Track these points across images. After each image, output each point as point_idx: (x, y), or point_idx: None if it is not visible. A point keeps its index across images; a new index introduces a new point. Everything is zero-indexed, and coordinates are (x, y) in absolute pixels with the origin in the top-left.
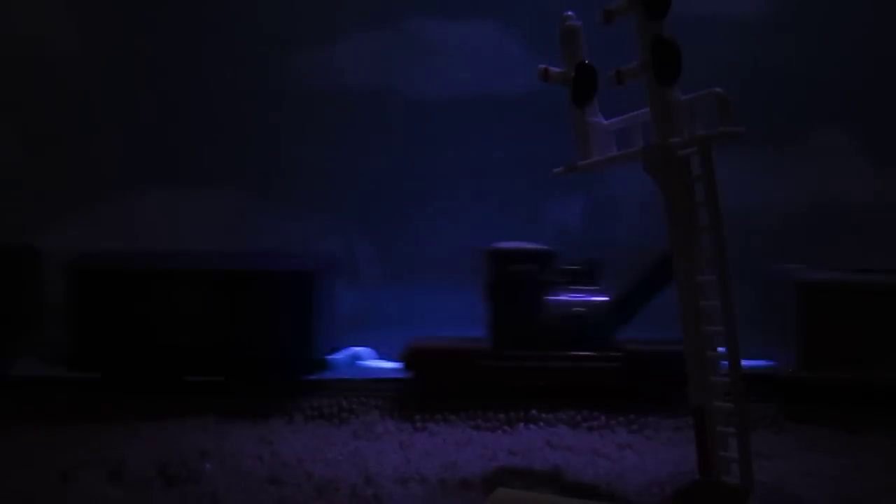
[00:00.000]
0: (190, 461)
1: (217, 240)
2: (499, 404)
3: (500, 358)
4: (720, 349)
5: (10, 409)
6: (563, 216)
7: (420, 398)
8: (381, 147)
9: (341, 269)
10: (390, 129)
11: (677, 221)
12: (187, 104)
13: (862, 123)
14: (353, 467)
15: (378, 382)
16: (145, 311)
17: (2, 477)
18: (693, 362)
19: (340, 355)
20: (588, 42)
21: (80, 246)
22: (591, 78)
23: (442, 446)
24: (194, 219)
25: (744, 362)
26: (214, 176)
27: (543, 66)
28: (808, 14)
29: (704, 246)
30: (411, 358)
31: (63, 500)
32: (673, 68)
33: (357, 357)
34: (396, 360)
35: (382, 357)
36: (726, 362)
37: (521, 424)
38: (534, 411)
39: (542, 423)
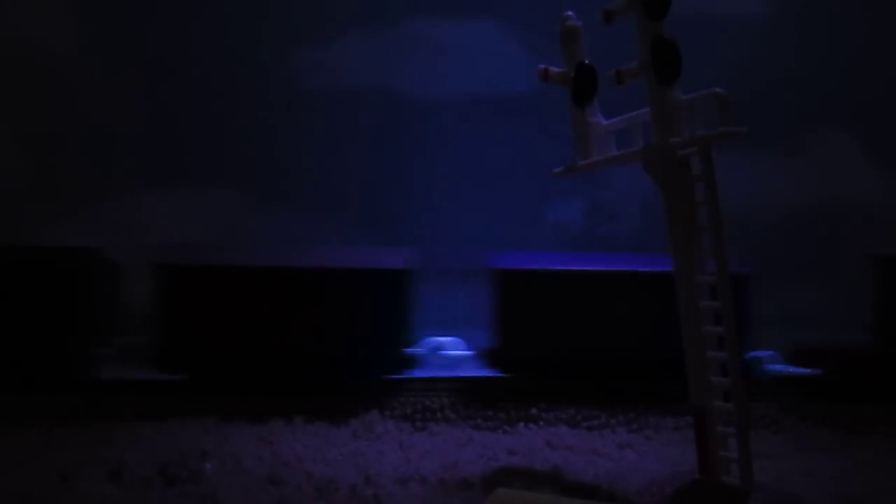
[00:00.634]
0: (190, 461)
1: (217, 239)
2: None
3: None
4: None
5: (10, 410)
6: (563, 216)
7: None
8: (380, 147)
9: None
10: (390, 128)
11: (677, 221)
12: (187, 105)
13: (862, 124)
14: (353, 467)
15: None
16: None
17: (2, 477)
18: (693, 362)
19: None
20: (588, 42)
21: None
22: (591, 78)
23: (442, 446)
24: (194, 219)
25: None
26: (215, 176)
27: (543, 66)
28: (809, 15)
29: (704, 246)
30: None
31: (63, 500)
32: (673, 68)
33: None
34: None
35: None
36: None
37: (521, 424)
38: (533, 410)
39: (542, 423)
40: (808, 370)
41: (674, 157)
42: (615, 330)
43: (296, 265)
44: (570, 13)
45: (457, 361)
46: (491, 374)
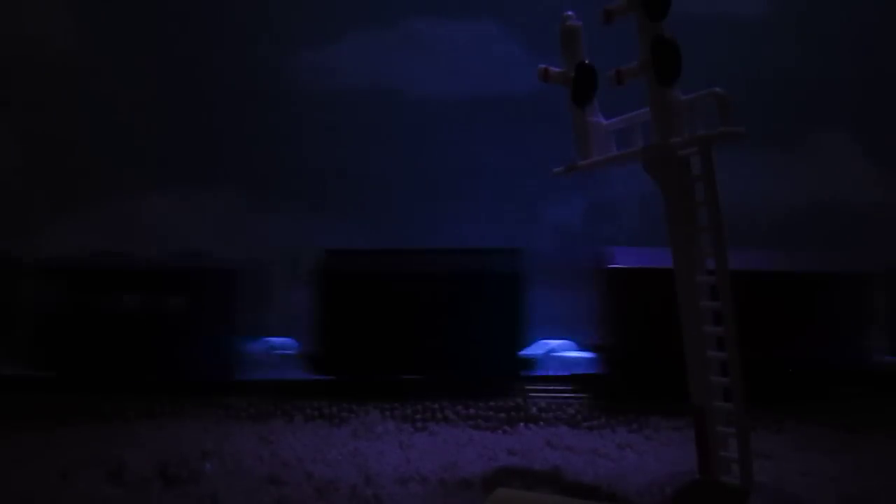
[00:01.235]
0: (190, 461)
1: (219, 239)
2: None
3: None
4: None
5: (10, 410)
6: (563, 216)
7: None
8: (381, 147)
9: None
10: (390, 128)
11: (677, 221)
12: (188, 105)
13: (863, 124)
14: (353, 467)
15: None
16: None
17: (2, 477)
18: (693, 362)
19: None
20: (588, 42)
21: (80, 247)
22: (591, 78)
23: (442, 446)
24: (196, 219)
25: None
26: (215, 176)
27: (544, 66)
28: (809, 15)
29: (704, 246)
30: None
31: (63, 500)
32: (673, 68)
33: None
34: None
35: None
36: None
37: (522, 424)
38: (534, 410)
39: (542, 423)
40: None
41: (674, 157)
42: None
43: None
44: (570, 13)
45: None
46: None
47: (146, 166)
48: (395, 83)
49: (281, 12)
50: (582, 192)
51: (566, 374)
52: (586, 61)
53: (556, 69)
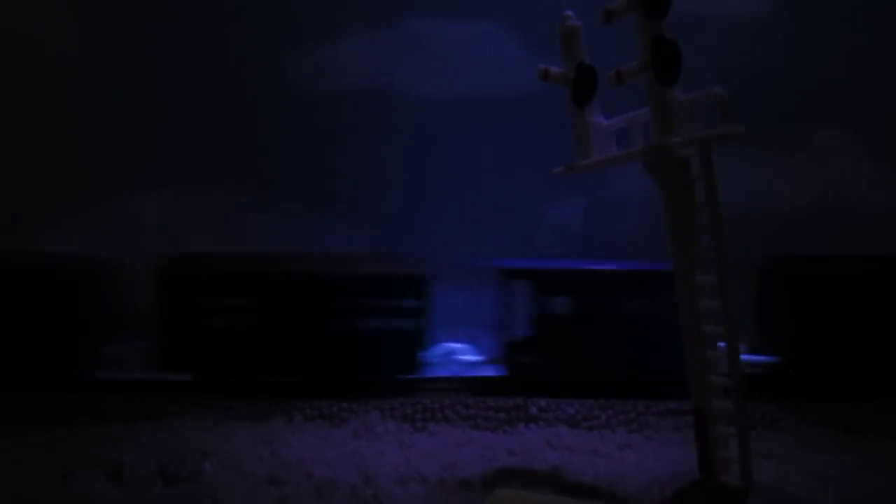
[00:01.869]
0: (190, 461)
1: (220, 240)
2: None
3: None
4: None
5: (10, 410)
6: (563, 216)
7: None
8: (381, 147)
9: None
10: (391, 128)
11: (677, 221)
12: (188, 105)
13: (863, 124)
14: (353, 467)
15: None
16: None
17: (2, 477)
18: (693, 362)
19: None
20: (588, 42)
21: (82, 247)
22: (591, 78)
23: (442, 446)
24: (196, 219)
25: None
26: (216, 176)
27: (544, 66)
28: (809, 15)
29: (704, 246)
30: None
31: (63, 500)
32: (673, 68)
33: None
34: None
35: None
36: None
37: (522, 424)
38: (534, 410)
39: (542, 423)
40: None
41: (674, 157)
42: None
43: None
44: (570, 13)
45: None
46: None
47: (146, 166)
48: (395, 83)
49: (281, 12)
50: (582, 192)
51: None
52: (586, 61)
53: (557, 69)
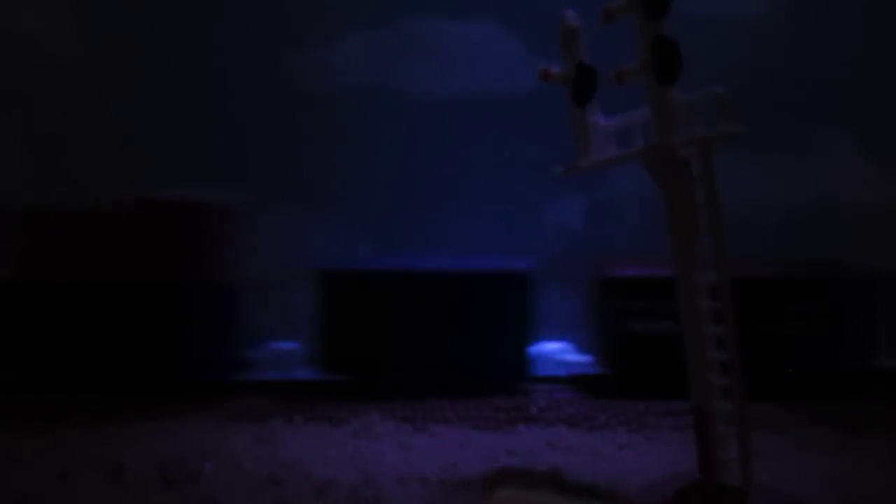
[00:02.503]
0: (190, 461)
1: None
2: None
3: None
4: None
5: (10, 410)
6: (563, 216)
7: None
8: (381, 147)
9: None
10: (391, 128)
11: (677, 221)
12: (188, 105)
13: (864, 124)
14: (353, 468)
15: None
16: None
17: (2, 477)
18: (693, 363)
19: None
20: (588, 42)
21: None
22: (591, 78)
23: (442, 447)
24: None
25: None
26: (214, 177)
27: (544, 66)
28: (809, 15)
29: (704, 246)
30: None
31: (63, 500)
32: (673, 68)
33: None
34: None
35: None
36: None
37: (522, 424)
38: (534, 410)
39: (542, 423)
40: None
41: (674, 158)
42: None
43: None
44: (570, 13)
45: None
46: None
47: (145, 165)
48: (395, 83)
49: (280, 12)
50: (582, 192)
51: None
52: (586, 61)
53: (557, 69)
